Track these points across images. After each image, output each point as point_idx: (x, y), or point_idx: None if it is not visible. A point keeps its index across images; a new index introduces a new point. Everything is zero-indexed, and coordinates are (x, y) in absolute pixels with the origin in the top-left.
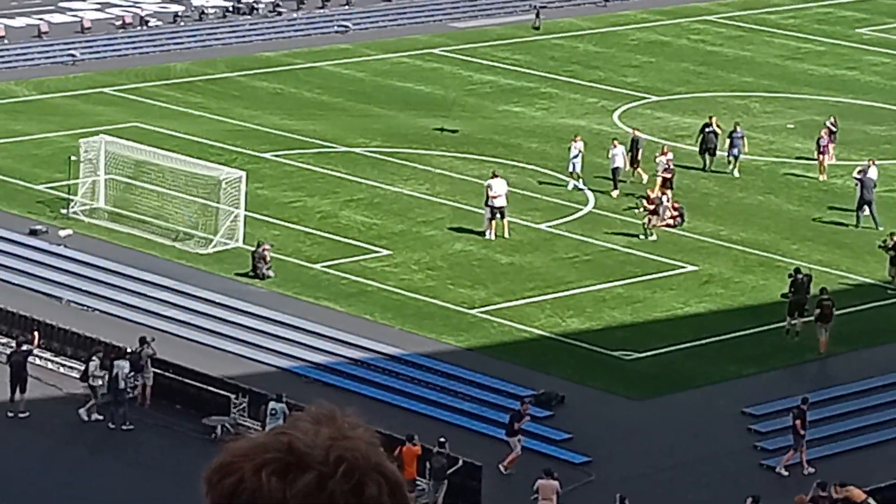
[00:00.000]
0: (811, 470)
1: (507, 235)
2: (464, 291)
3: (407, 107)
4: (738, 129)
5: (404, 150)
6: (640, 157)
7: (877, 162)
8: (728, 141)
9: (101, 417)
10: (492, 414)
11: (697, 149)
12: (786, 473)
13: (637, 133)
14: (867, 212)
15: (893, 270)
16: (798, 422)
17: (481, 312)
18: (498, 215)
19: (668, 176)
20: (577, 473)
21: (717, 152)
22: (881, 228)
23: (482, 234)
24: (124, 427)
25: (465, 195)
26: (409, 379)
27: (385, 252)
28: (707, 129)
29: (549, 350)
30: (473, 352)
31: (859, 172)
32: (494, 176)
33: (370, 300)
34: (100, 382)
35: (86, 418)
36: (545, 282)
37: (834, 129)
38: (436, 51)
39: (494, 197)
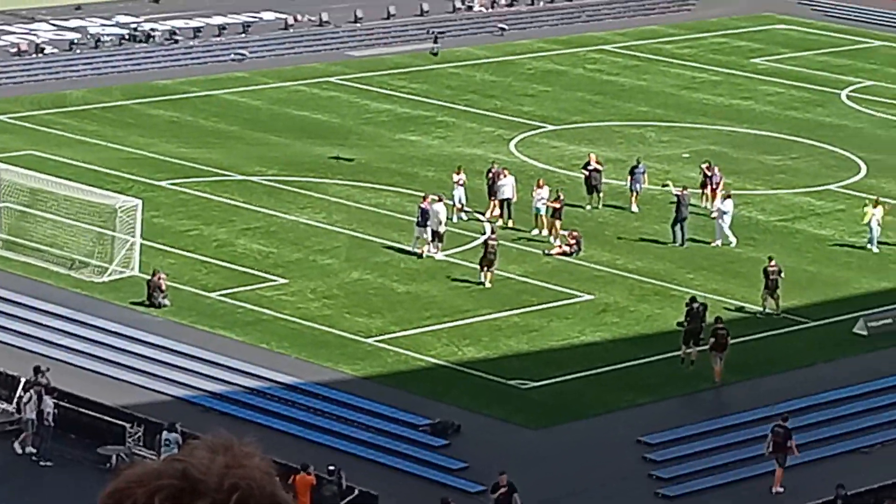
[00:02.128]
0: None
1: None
2: (360, 320)
3: (304, 135)
4: (641, 164)
5: (301, 179)
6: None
7: (732, 194)
8: (629, 177)
9: (34, 450)
10: (388, 443)
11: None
12: (781, 490)
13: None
14: (681, 229)
15: (766, 294)
16: (784, 440)
17: (378, 341)
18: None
19: (558, 206)
20: (473, 502)
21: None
22: (686, 246)
23: (380, 261)
24: (42, 463)
25: (362, 224)
26: (305, 408)
27: (281, 281)
28: (589, 168)
29: (445, 379)
30: (370, 381)
31: (681, 190)
32: (440, 200)
33: (266, 329)
34: (30, 415)
35: (20, 451)
36: (442, 310)
37: (708, 173)
38: (333, 79)
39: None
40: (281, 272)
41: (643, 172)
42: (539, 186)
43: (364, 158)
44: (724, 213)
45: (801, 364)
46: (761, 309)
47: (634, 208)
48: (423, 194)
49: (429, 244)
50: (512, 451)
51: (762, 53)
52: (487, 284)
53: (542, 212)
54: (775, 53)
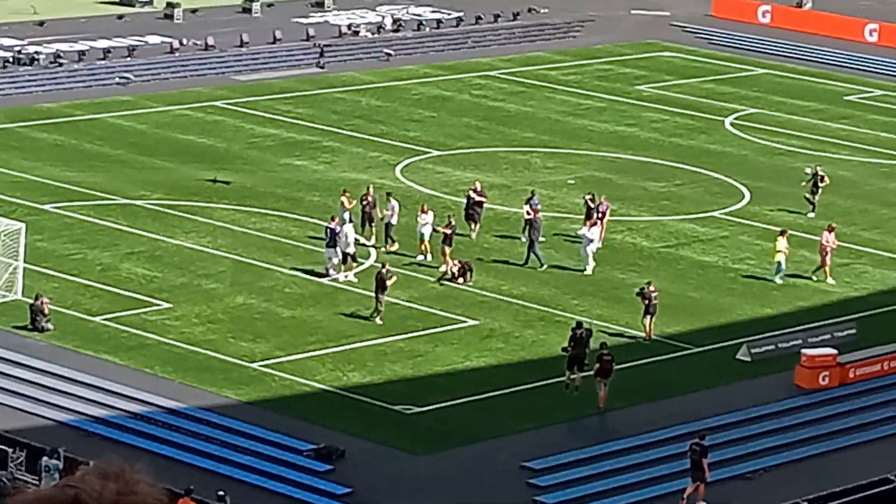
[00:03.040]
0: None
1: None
2: (245, 345)
3: (189, 159)
4: (535, 196)
5: (186, 203)
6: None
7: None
8: (526, 206)
9: None
10: (272, 468)
11: (464, 216)
12: None
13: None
14: (536, 250)
15: (646, 319)
16: (702, 459)
17: (262, 366)
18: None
19: (448, 232)
20: None
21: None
22: (544, 266)
23: (265, 286)
24: None
25: (247, 248)
26: (189, 433)
27: (166, 305)
28: (472, 201)
29: (330, 404)
30: (254, 405)
31: (528, 213)
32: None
33: (150, 353)
34: None
35: None
36: (326, 335)
37: (591, 205)
38: (218, 103)
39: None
40: (165, 296)
41: (538, 204)
42: (423, 211)
43: (249, 183)
44: (591, 240)
45: (684, 390)
46: (645, 335)
47: (524, 238)
48: (332, 215)
49: (339, 268)
50: (396, 477)
51: (647, 80)
52: (378, 321)
53: (426, 237)
54: (660, 80)
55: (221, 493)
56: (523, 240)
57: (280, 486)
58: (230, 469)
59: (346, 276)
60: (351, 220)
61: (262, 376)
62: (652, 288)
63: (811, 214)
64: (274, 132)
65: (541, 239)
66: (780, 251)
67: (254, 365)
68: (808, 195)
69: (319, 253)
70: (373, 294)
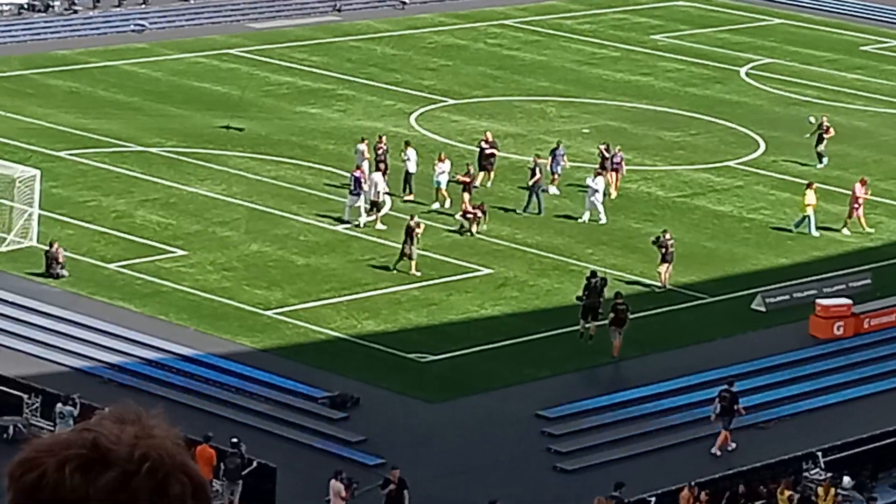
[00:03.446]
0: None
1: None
2: (259, 292)
3: (203, 107)
4: (560, 147)
5: (200, 151)
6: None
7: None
8: (550, 157)
9: None
10: (286, 415)
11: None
12: (719, 454)
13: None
14: (537, 196)
15: (663, 268)
16: (732, 405)
17: (277, 314)
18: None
19: (468, 181)
20: (370, 475)
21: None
22: (542, 214)
23: (280, 234)
24: None
25: (262, 196)
26: (203, 380)
27: (180, 252)
28: (483, 152)
29: (344, 352)
30: (268, 353)
31: (534, 158)
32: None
33: (165, 300)
34: None
35: None
36: (341, 283)
37: (606, 154)
38: (233, 51)
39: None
40: (180, 244)
41: (563, 154)
42: (440, 160)
43: (264, 131)
44: (596, 190)
45: (699, 339)
46: (660, 284)
47: (554, 190)
48: (356, 163)
49: (364, 214)
50: (411, 425)
51: (662, 30)
52: (415, 272)
53: (443, 185)
54: (675, 30)
55: (235, 440)
56: (551, 191)
57: (294, 433)
58: (245, 416)
59: (366, 222)
60: (379, 169)
61: (277, 324)
62: (668, 236)
63: (820, 165)
64: (289, 80)
65: (543, 188)
66: (809, 204)
67: (268, 312)
68: (815, 147)
69: (335, 201)
70: (395, 243)
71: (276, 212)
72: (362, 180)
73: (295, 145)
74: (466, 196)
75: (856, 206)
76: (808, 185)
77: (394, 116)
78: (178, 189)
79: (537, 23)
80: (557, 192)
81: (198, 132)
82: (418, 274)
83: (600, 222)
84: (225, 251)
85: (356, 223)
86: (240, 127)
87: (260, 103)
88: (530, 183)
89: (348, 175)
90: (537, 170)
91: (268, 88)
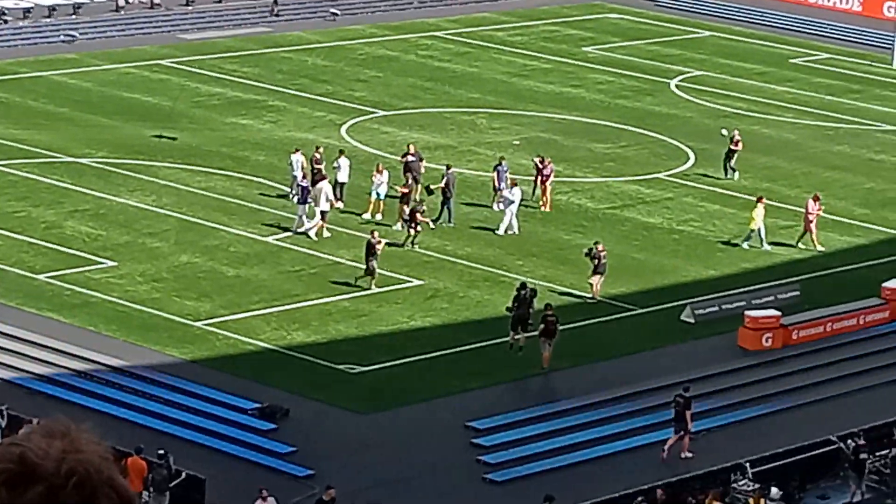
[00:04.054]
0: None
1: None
2: (189, 303)
3: (134, 118)
4: (504, 163)
5: (130, 162)
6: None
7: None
8: (494, 173)
9: None
10: (216, 427)
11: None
12: (691, 455)
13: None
14: (448, 208)
15: (595, 279)
16: (685, 411)
17: (206, 325)
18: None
19: (406, 192)
20: (300, 487)
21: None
22: (453, 224)
23: (210, 245)
24: None
25: (192, 207)
26: (132, 391)
27: (110, 263)
28: (409, 159)
29: (274, 363)
30: (198, 364)
31: (447, 169)
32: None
33: (94, 311)
34: None
35: None
36: (271, 294)
37: (540, 166)
38: (164, 62)
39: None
40: (110, 255)
41: (507, 171)
42: (378, 171)
43: (195, 142)
44: (511, 201)
45: (628, 351)
46: (591, 295)
47: (496, 207)
48: (303, 172)
49: (307, 222)
50: (340, 436)
51: (593, 42)
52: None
53: (382, 196)
54: (606, 42)
55: (162, 451)
56: (496, 208)
57: (224, 444)
58: (174, 427)
59: (309, 230)
60: (324, 177)
61: (207, 335)
62: (601, 247)
63: (728, 178)
64: (220, 91)
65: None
66: (756, 217)
67: (198, 324)
68: (725, 161)
69: (264, 212)
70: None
71: (206, 223)
72: (308, 189)
73: (225, 156)
74: (405, 208)
75: (808, 222)
76: (759, 200)
77: (325, 127)
78: (107, 200)
79: (468, 34)
80: (501, 208)
81: (128, 143)
82: (374, 290)
83: (511, 233)
84: (154, 262)
85: (301, 231)
86: (172, 136)
87: (191, 114)
88: (440, 191)
89: (288, 186)
90: (445, 180)
91: (198, 99)
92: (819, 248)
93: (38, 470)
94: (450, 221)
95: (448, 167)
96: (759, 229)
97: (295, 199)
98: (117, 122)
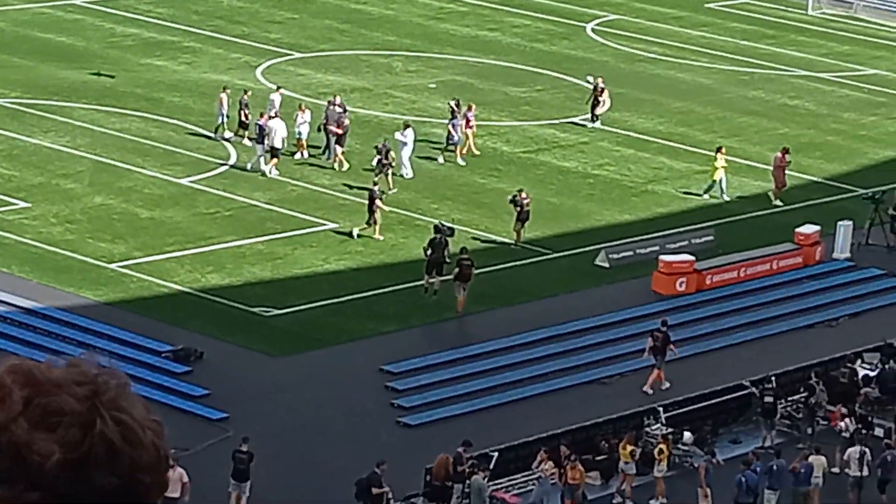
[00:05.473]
0: (668, 385)
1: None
2: (103, 245)
3: (48, 58)
4: (457, 116)
5: (45, 102)
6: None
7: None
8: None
9: None
10: (130, 369)
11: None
12: (651, 392)
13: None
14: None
15: (518, 226)
16: (664, 344)
17: (121, 267)
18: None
19: (340, 132)
20: (214, 429)
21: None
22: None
23: (124, 187)
24: None
25: (106, 148)
26: (45, 333)
27: (23, 204)
28: (331, 107)
29: (188, 305)
30: (112, 306)
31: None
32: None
33: (7, 253)
34: None
35: None
36: (185, 237)
37: (457, 109)
38: (77, 2)
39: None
40: (23, 196)
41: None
42: (301, 110)
43: (109, 83)
44: (404, 143)
45: (543, 295)
46: (514, 241)
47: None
48: (261, 111)
49: (268, 161)
50: (255, 379)
51: None
52: (377, 236)
53: (304, 136)
54: None
55: None
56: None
57: (138, 386)
58: None
59: (270, 171)
60: (273, 116)
61: (121, 277)
62: (524, 195)
63: (592, 125)
64: (134, 31)
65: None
66: (719, 168)
67: (112, 266)
68: (592, 109)
69: (179, 153)
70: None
71: (121, 164)
72: (265, 128)
73: (140, 97)
74: (339, 149)
75: (783, 174)
76: (718, 150)
77: (240, 69)
78: (21, 141)
79: None
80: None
81: (42, 83)
82: (380, 238)
83: (406, 177)
84: (68, 204)
85: (260, 172)
86: (111, 74)
87: (105, 55)
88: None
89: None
90: (325, 115)
91: (112, 40)
92: (776, 202)
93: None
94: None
95: (329, 102)
96: (720, 180)
97: (249, 141)
98: (31, 63)
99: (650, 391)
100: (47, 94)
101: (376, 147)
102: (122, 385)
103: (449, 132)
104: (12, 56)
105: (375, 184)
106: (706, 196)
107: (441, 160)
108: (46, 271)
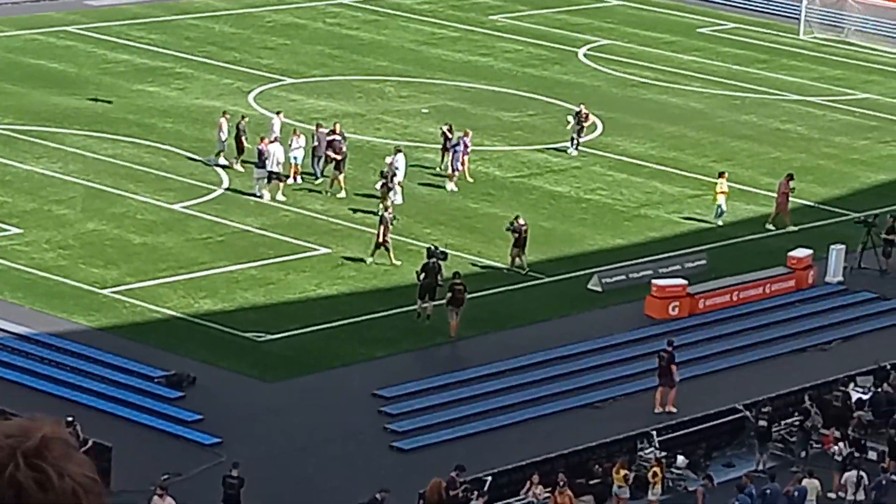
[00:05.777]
0: (660, 409)
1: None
2: (96, 271)
3: (40, 84)
4: (461, 141)
5: (37, 129)
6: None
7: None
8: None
9: None
10: (122, 395)
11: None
12: (675, 410)
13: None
14: (317, 163)
15: (515, 251)
16: (671, 365)
17: (113, 292)
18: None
19: (339, 158)
20: (207, 454)
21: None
22: (319, 181)
23: (116, 212)
24: None
25: (99, 174)
26: (39, 359)
27: (16, 231)
28: (331, 138)
29: (181, 331)
30: (105, 332)
31: (315, 127)
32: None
33: (0, 279)
34: None
35: None
36: (178, 262)
37: (449, 136)
38: (70, 28)
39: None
40: (16, 222)
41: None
42: (296, 135)
43: (101, 109)
44: (398, 168)
45: (536, 319)
46: (509, 265)
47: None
48: (261, 136)
49: (266, 188)
50: (247, 404)
51: (501, 10)
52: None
53: (299, 161)
54: (514, 11)
55: (70, 418)
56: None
57: (131, 412)
58: (80, 395)
59: (276, 196)
60: (273, 140)
61: (113, 302)
62: (521, 221)
63: (572, 151)
64: (126, 58)
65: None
66: (720, 193)
67: (105, 291)
68: (574, 134)
69: (171, 179)
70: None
71: (113, 190)
72: (264, 152)
73: (132, 123)
74: (340, 175)
75: (785, 201)
76: (720, 175)
77: (232, 95)
78: (13, 167)
79: (376, 2)
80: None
81: (34, 110)
82: (398, 263)
83: (396, 203)
84: (61, 229)
85: (259, 196)
86: (108, 100)
87: (97, 81)
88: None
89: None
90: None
91: (105, 66)
92: (791, 228)
93: None
94: (317, 176)
95: (318, 125)
96: (719, 205)
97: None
98: (23, 89)
99: (674, 409)
100: (39, 120)
101: (381, 172)
102: (52, 438)
103: (451, 159)
104: (4, 82)
105: (387, 209)
106: (720, 223)
107: (453, 187)
108: (39, 297)
